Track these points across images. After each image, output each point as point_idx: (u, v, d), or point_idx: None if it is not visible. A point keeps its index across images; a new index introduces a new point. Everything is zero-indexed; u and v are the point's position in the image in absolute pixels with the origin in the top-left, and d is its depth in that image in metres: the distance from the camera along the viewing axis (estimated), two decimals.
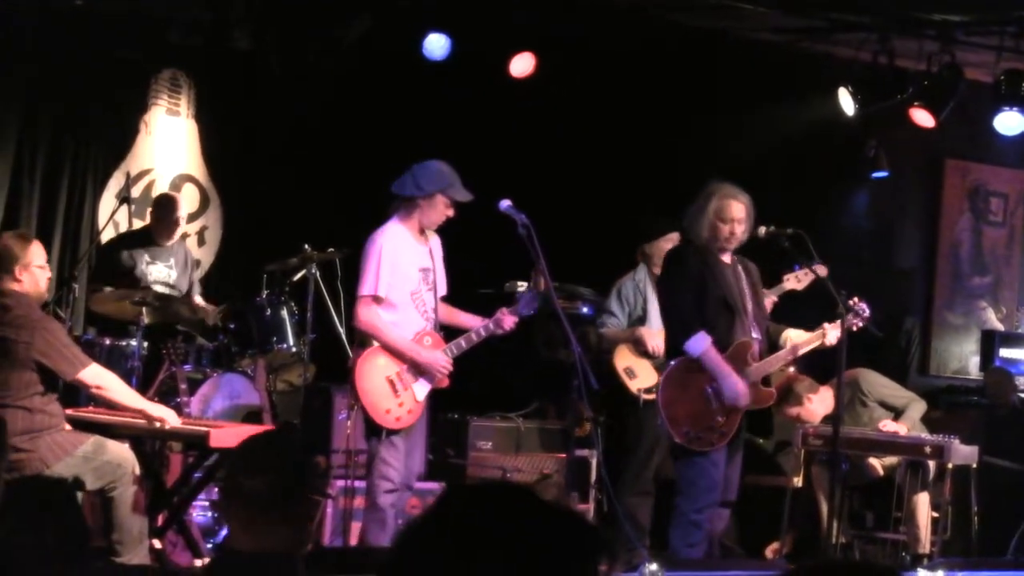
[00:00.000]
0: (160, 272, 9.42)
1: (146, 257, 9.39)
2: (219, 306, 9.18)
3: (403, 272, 7.50)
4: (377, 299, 7.42)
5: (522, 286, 9.76)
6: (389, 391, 7.45)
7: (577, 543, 2.24)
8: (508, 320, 7.68)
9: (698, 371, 7.45)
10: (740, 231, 7.52)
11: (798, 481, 9.30)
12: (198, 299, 9.40)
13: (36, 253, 6.94)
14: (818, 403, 9.06)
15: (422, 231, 7.61)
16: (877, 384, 9.28)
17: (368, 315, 7.43)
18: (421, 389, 7.55)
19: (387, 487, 7.40)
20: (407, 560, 2.23)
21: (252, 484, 3.63)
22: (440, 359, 7.53)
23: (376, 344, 7.49)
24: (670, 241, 8.67)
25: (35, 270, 6.89)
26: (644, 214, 9.63)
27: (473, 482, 8.04)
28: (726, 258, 7.59)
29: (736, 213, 7.49)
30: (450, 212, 7.56)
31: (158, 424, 7.00)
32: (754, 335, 7.62)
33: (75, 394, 7.59)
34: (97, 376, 6.87)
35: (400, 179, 7.53)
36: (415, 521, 2.28)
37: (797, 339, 7.84)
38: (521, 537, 2.20)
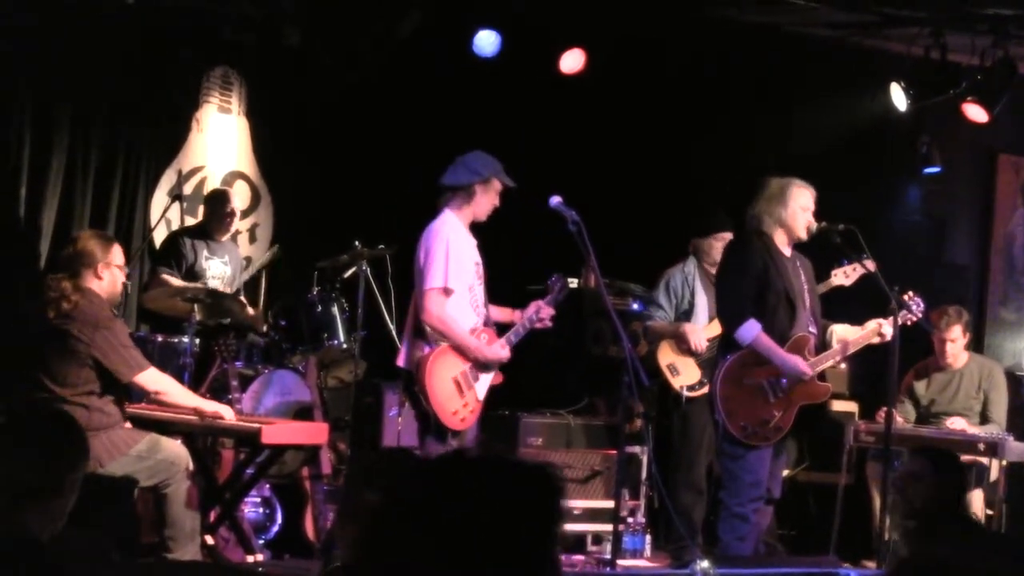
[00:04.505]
0: (218, 268, 9.47)
1: (205, 252, 9.45)
2: (271, 306, 9.24)
3: (464, 264, 7.43)
4: (447, 291, 7.31)
5: (573, 283, 9.76)
6: (455, 392, 7.38)
7: (535, 488, 2.29)
8: (545, 311, 7.68)
9: (755, 365, 7.45)
10: (813, 221, 7.57)
11: (847, 478, 9.24)
12: (248, 309, 9.38)
13: (117, 254, 7.05)
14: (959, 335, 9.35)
15: (472, 224, 7.61)
16: (1003, 387, 9.29)
17: (439, 309, 7.29)
18: (481, 387, 7.52)
19: None
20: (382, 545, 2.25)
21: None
22: (503, 355, 7.53)
23: (444, 343, 7.37)
24: (722, 240, 8.65)
25: (115, 270, 7.00)
26: (699, 208, 9.61)
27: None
28: (787, 251, 7.59)
29: (812, 202, 7.55)
30: (497, 201, 7.56)
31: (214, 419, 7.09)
32: (811, 329, 7.62)
33: (129, 390, 7.63)
34: (154, 380, 6.95)
35: (450, 170, 7.51)
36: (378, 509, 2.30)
37: (843, 335, 7.81)
38: (480, 492, 2.23)
